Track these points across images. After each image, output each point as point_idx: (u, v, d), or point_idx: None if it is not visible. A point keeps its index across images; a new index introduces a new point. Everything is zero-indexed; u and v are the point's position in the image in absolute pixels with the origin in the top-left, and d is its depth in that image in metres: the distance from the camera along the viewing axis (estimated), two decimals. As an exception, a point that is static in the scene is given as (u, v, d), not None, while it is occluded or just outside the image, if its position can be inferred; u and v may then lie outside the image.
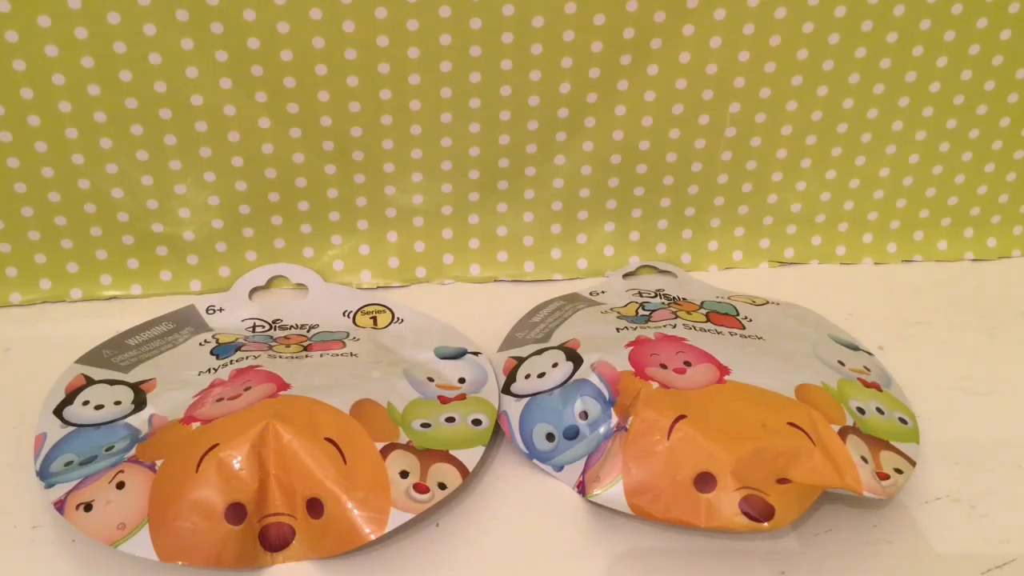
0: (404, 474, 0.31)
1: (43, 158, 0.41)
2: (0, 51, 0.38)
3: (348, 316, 0.43)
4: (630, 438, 0.32)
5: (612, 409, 0.34)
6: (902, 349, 0.41)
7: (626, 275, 0.47)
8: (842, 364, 0.37)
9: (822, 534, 0.32)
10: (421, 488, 0.31)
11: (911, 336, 0.43)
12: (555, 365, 0.37)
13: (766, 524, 0.30)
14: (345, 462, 0.31)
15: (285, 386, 0.34)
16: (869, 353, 0.40)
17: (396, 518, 0.30)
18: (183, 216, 0.44)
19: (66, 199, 0.42)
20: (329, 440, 0.31)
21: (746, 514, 0.30)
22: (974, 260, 0.49)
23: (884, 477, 0.32)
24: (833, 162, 0.46)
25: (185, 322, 0.42)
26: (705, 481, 0.31)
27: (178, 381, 0.36)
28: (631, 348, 0.37)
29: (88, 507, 0.30)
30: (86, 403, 0.35)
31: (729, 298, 0.43)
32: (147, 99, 0.40)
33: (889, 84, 0.44)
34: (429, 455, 0.32)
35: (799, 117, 0.44)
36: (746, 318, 0.41)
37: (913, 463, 0.33)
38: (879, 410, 0.35)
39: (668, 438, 0.32)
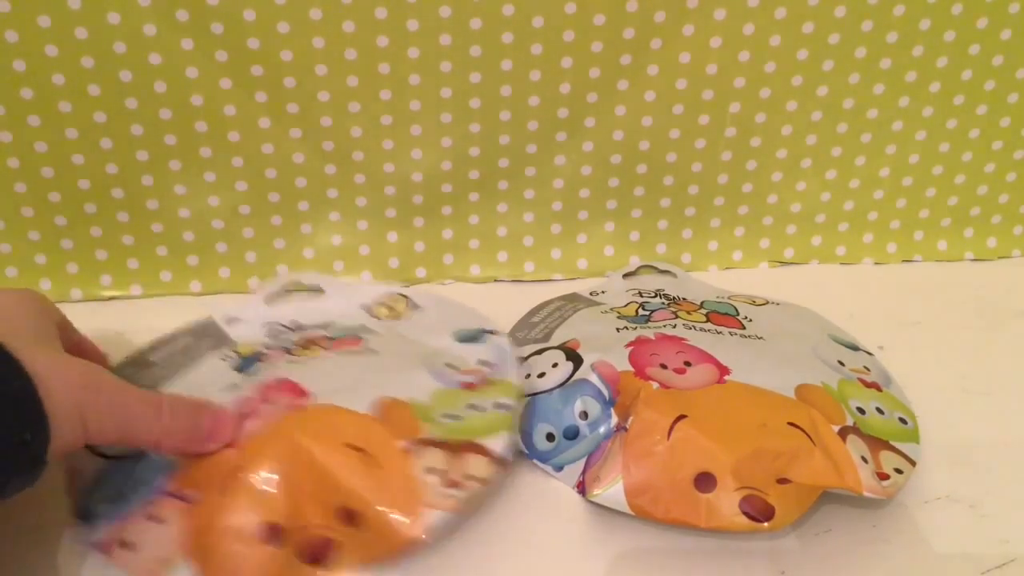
0: (433, 471, 0.31)
1: (43, 158, 0.41)
2: (0, 51, 0.38)
3: (364, 308, 0.43)
4: (630, 438, 0.32)
5: (612, 409, 0.34)
6: (902, 349, 0.41)
7: (626, 275, 0.47)
8: (842, 364, 0.37)
9: (822, 534, 0.32)
10: (453, 483, 0.30)
11: (911, 336, 0.43)
12: (555, 365, 0.37)
13: (766, 524, 0.29)
14: (373, 467, 0.30)
15: (304, 393, 0.33)
16: (869, 353, 0.40)
17: (433, 517, 0.29)
18: (183, 216, 0.44)
19: (66, 199, 0.42)
20: (354, 447, 0.31)
21: (746, 514, 0.30)
22: (974, 260, 0.49)
23: (884, 477, 0.32)
24: (833, 162, 0.46)
25: (204, 334, 0.41)
26: (705, 481, 0.31)
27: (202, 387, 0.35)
28: (631, 348, 0.37)
29: (128, 545, 0.29)
30: None
31: (729, 298, 0.43)
32: (147, 99, 0.40)
33: (889, 84, 0.44)
34: (456, 447, 0.32)
35: (799, 117, 0.44)
36: (746, 318, 0.41)
37: (913, 463, 0.33)
38: (879, 410, 0.35)
39: (668, 438, 0.32)
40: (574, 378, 0.36)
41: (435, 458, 0.31)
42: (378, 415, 0.32)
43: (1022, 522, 0.33)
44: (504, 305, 0.43)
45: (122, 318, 0.43)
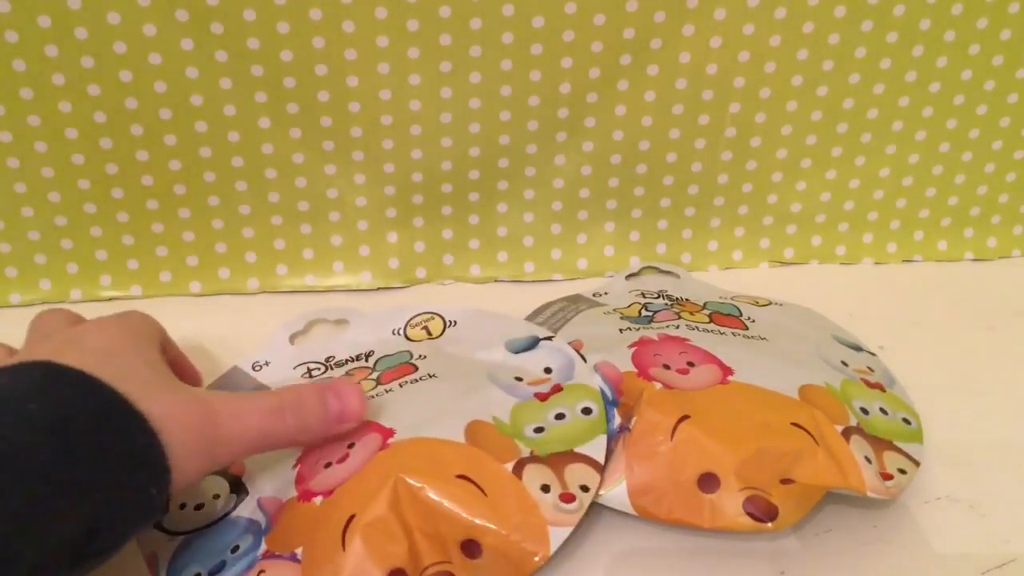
0: (546, 488, 0.30)
1: (43, 158, 0.41)
2: (0, 51, 0.38)
3: (398, 334, 0.41)
4: (633, 438, 0.32)
5: (615, 410, 0.34)
6: (902, 349, 0.41)
7: (629, 276, 0.47)
8: (845, 364, 0.37)
9: (822, 534, 0.32)
10: (567, 498, 0.30)
11: (911, 336, 0.43)
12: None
13: (770, 524, 0.29)
14: (485, 494, 0.29)
15: (389, 432, 0.32)
16: (872, 353, 0.40)
17: (556, 535, 0.29)
18: (183, 216, 0.44)
19: (66, 199, 0.42)
20: (464, 477, 0.30)
21: (750, 514, 0.30)
22: (974, 260, 0.49)
23: (888, 477, 0.32)
24: (833, 162, 0.46)
25: (236, 385, 0.39)
26: (708, 482, 0.31)
27: (265, 455, 0.33)
28: (634, 349, 0.37)
29: None
30: (183, 506, 0.32)
31: (732, 299, 0.43)
32: (147, 99, 0.40)
33: (889, 84, 0.44)
34: (557, 460, 0.31)
35: (799, 117, 0.44)
36: (749, 319, 0.41)
37: (917, 463, 0.33)
38: (883, 410, 0.35)
39: (671, 439, 0.32)
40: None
41: (542, 475, 0.31)
42: (471, 442, 0.32)
43: (1022, 522, 0.33)
44: (504, 305, 0.43)
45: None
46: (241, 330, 0.43)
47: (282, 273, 0.46)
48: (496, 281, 0.47)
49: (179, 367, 0.35)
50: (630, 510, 0.31)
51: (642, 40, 0.41)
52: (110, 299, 0.45)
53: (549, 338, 0.38)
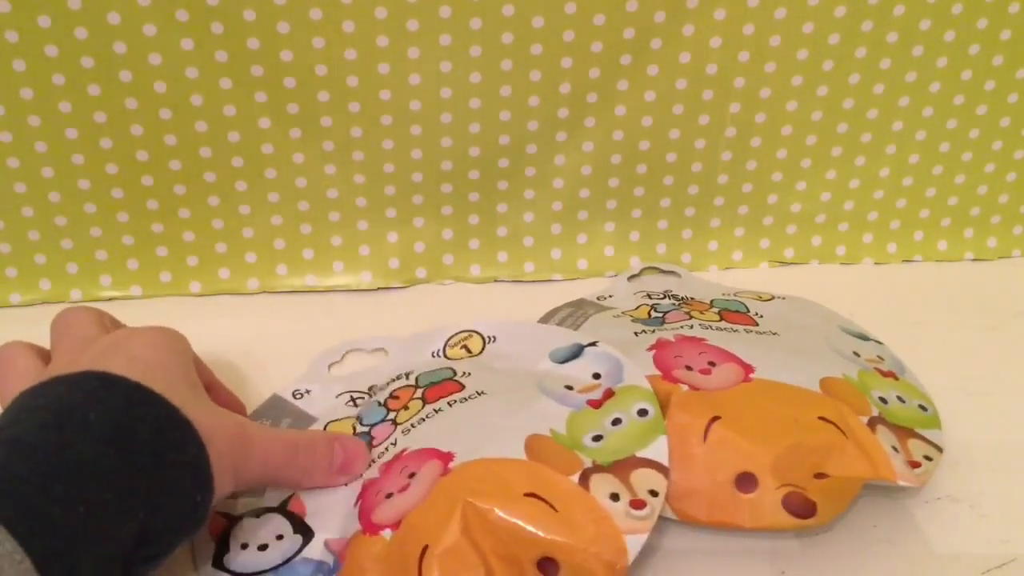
0: (615, 497, 0.29)
1: (43, 158, 0.41)
2: (0, 51, 0.38)
3: (438, 355, 0.40)
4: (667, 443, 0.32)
5: None
6: (902, 349, 0.41)
7: (630, 278, 0.47)
8: (857, 355, 0.37)
9: (822, 534, 0.32)
10: (637, 504, 0.29)
11: (911, 336, 0.42)
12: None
13: (811, 520, 0.29)
14: (556, 509, 0.29)
15: (448, 456, 0.31)
16: (879, 342, 0.40)
17: (633, 543, 0.28)
18: (183, 216, 0.44)
19: (66, 199, 0.42)
20: (529, 494, 0.29)
21: (790, 512, 0.30)
22: (974, 260, 0.49)
23: (915, 465, 0.32)
24: (833, 162, 0.46)
25: (279, 413, 0.38)
26: (746, 481, 0.30)
27: (323, 492, 0.33)
28: (653, 351, 0.36)
29: None
30: (245, 546, 0.31)
31: (736, 295, 0.43)
32: (147, 99, 0.40)
33: (889, 84, 0.44)
34: (621, 467, 0.30)
35: (799, 117, 0.44)
36: (757, 314, 0.41)
37: (940, 449, 0.33)
38: (900, 399, 0.35)
39: (704, 440, 0.32)
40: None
41: (609, 484, 0.30)
42: (531, 457, 0.31)
43: (1022, 522, 0.33)
44: (504, 305, 0.43)
45: (122, 319, 0.42)
46: (241, 330, 0.43)
47: (282, 273, 0.46)
48: (496, 281, 0.47)
49: (215, 393, 0.35)
50: (670, 514, 0.31)
51: (642, 40, 0.41)
52: (110, 299, 0.45)
53: (593, 344, 0.37)
